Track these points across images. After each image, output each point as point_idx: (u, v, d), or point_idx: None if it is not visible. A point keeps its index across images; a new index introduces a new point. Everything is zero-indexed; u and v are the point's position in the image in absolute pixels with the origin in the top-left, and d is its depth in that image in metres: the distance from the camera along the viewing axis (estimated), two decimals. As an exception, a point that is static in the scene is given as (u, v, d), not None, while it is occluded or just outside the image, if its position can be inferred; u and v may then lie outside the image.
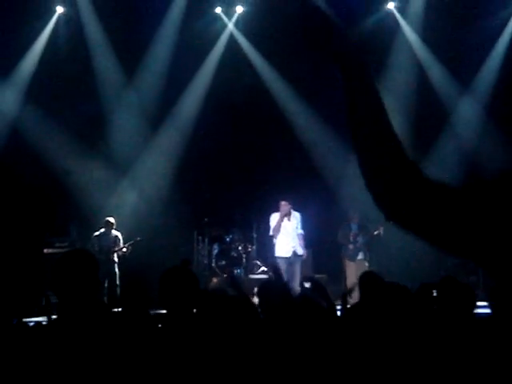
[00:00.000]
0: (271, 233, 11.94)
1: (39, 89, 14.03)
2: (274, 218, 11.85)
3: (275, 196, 12.08)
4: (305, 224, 12.05)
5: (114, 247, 12.62)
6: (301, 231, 11.93)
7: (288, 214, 11.79)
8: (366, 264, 13.02)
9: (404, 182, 1.86)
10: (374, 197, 1.93)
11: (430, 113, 14.10)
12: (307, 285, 11.13)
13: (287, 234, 11.76)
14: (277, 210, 11.87)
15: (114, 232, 12.82)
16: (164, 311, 3.85)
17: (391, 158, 1.87)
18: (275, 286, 5.19)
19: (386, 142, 1.88)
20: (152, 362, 3.38)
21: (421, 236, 1.90)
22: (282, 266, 11.55)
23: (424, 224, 1.87)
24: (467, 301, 4.11)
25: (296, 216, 11.94)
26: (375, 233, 12.72)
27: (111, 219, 12.83)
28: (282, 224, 11.77)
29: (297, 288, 11.45)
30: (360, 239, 12.92)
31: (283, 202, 11.75)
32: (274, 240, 11.89)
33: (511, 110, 13.46)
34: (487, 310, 5.05)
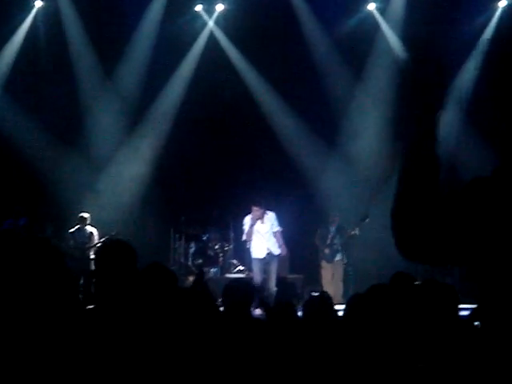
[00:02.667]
0: (244, 237, 11.78)
1: (17, 83, 13.91)
2: (247, 222, 11.68)
3: (252, 195, 11.98)
4: (282, 224, 11.90)
5: (89, 243, 12.51)
6: (277, 228, 11.72)
7: (260, 218, 11.60)
8: (343, 265, 13.07)
9: (437, 232, 1.93)
10: (400, 240, 1.98)
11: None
12: (275, 288, 11.16)
13: (261, 237, 11.58)
14: (250, 212, 11.69)
15: (89, 228, 12.72)
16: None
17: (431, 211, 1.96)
18: (241, 285, 5.14)
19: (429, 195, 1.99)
20: (128, 358, 3.35)
21: (434, 265, 2.00)
22: (258, 267, 11.53)
23: (440, 257, 1.95)
24: (450, 301, 4.08)
25: (269, 217, 11.69)
26: (352, 233, 12.77)
27: (85, 215, 12.73)
28: (256, 228, 11.60)
29: (273, 288, 11.44)
30: (337, 241, 12.94)
31: (255, 207, 11.54)
32: (248, 244, 11.77)
33: (489, 116, 13.51)
34: (466, 312, 5.05)
